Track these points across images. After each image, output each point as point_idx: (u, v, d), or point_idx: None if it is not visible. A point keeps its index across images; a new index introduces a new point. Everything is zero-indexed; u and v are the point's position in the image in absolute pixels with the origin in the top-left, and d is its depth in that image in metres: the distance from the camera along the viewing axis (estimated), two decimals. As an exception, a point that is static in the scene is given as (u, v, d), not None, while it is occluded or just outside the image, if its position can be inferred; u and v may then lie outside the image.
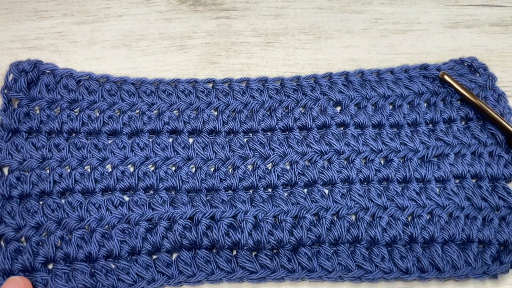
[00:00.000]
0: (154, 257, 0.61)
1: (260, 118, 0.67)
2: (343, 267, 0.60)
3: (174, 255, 0.62)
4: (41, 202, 0.62)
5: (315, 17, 0.76)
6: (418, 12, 0.77)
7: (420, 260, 0.61)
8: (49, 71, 0.68)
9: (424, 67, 0.70)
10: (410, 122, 0.67)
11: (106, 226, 0.62)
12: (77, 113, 0.66)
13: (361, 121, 0.67)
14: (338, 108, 0.68)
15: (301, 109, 0.68)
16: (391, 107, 0.68)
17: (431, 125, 0.68)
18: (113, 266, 0.60)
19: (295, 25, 0.76)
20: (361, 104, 0.68)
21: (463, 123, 0.68)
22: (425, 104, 0.68)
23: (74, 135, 0.66)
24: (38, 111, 0.66)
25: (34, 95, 0.67)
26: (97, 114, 0.67)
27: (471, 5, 0.77)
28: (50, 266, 0.60)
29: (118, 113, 0.67)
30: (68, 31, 0.74)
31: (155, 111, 0.67)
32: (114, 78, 0.69)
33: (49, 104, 0.66)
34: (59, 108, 0.66)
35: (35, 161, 0.63)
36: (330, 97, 0.68)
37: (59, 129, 0.65)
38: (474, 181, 0.65)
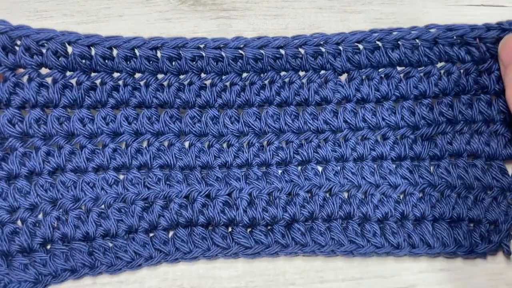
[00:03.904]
0: (151, 235, 0.62)
1: (256, 92, 0.64)
2: (336, 242, 0.62)
3: (171, 233, 0.63)
4: (33, 183, 0.62)
5: (315, 17, 0.74)
6: (418, 12, 0.75)
7: (411, 236, 0.62)
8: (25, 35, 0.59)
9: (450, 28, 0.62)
10: (417, 94, 0.64)
11: (102, 206, 0.62)
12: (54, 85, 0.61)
13: (365, 95, 0.64)
14: (343, 78, 0.64)
15: (302, 81, 0.64)
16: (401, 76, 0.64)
17: (441, 96, 0.64)
18: (111, 245, 0.61)
19: (295, 25, 0.74)
20: (371, 75, 0.64)
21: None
22: (441, 74, 0.63)
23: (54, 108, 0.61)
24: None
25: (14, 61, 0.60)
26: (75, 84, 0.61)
27: (471, 5, 0.76)
28: (49, 247, 0.61)
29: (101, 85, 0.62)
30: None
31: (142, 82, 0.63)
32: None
33: (12, 70, 0.60)
34: (26, 76, 0.60)
35: (18, 141, 0.61)
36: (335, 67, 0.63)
37: (34, 103, 0.60)
38: (470, 159, 0.64)
